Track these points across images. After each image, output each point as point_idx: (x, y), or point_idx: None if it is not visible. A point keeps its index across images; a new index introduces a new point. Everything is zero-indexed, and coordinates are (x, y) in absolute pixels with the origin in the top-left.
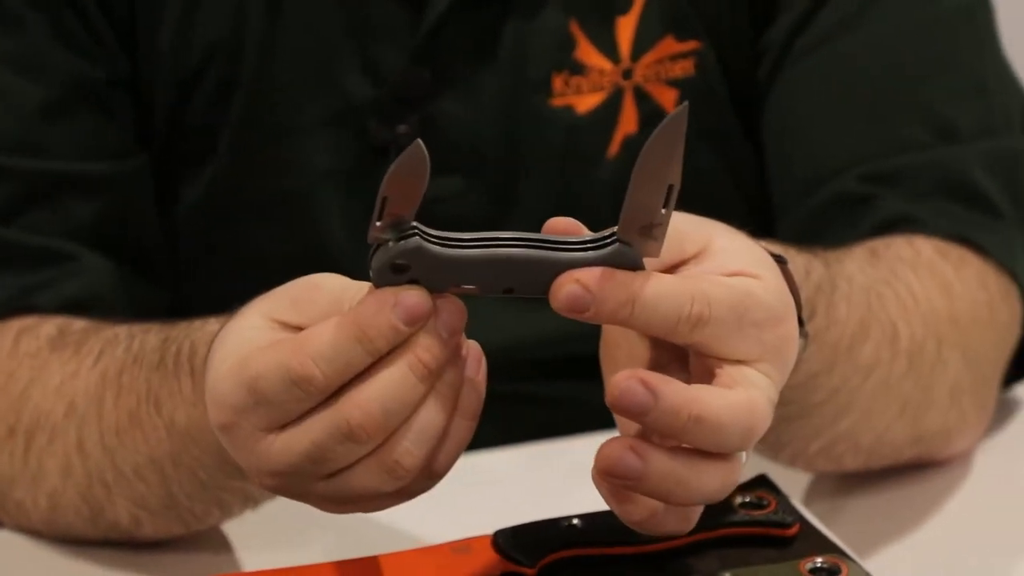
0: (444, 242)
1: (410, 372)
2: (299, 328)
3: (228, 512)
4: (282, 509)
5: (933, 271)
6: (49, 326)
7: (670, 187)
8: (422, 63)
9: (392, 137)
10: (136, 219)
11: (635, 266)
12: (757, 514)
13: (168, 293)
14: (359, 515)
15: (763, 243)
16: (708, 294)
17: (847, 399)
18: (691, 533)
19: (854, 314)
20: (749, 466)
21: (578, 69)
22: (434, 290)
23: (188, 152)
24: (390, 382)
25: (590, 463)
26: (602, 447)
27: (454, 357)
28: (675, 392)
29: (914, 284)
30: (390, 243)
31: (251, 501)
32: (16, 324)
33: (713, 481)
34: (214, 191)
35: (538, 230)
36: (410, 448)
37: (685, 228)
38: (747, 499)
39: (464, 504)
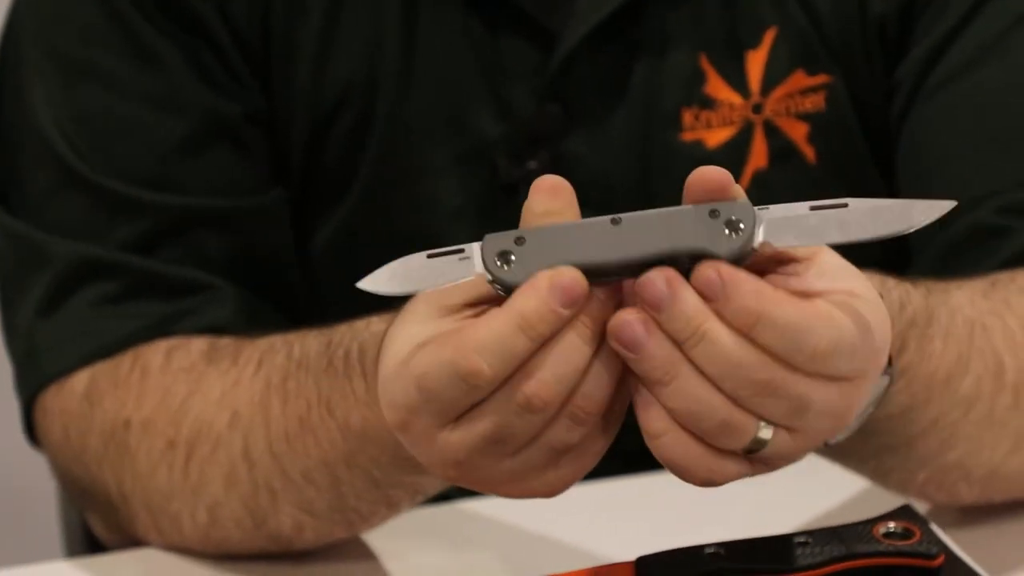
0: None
1: (577, 337)
2: (465, 305)
3: (395, 509)
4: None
5: None
6: (200, 342)
7: None
8: (552, 100)
9: (522, 174)
10: (272, 254)
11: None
12: (902, 544)
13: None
14: (506, 541)
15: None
16: (836, 331)
17: (949, 432)
18: (835, 562)
19: (952, 347)
20: (892, 497)
21: (708, 103)
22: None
23: (323, 190)
24: (560, 352)
25: (718, 492)
26: None
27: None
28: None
29: None
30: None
31: (420, 495)
32: (164, 344)
33: (720, 410)
34: (348, 229)
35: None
36: (589, 391)
37: None
38: (892, 529)
39: (601, 531)
